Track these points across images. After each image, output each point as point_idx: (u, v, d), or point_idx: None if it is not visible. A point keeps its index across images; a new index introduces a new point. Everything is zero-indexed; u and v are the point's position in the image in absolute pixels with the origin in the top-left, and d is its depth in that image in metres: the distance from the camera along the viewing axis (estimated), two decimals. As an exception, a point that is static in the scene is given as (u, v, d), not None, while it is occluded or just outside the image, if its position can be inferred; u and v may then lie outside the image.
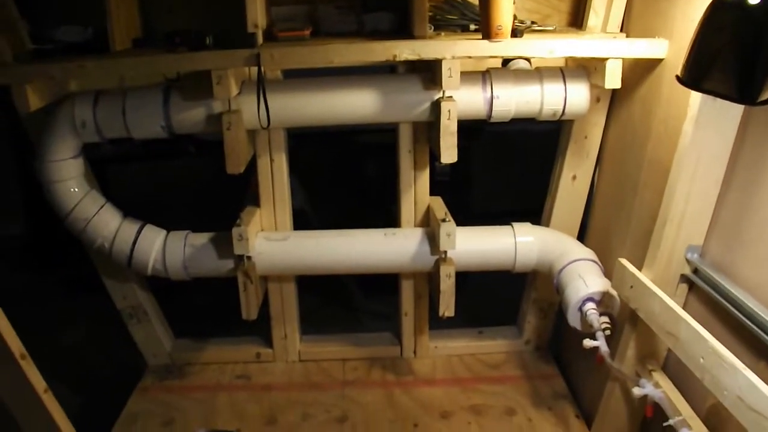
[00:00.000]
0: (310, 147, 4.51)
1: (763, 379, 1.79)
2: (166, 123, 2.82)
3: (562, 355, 3.65)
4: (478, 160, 4.93)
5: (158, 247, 3.10)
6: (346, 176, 5.05)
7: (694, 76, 1.49)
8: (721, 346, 1.89)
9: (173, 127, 2.84)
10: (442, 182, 4.64)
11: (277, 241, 3.11)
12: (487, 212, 3.27)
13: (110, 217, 3.04)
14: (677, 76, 1.57)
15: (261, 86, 2.66)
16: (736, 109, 2.08)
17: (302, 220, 4.42)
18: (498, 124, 2.92)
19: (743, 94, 1.40)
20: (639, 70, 2.70)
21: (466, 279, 3.24)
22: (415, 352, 3.65)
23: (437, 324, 3.42)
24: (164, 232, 3.15)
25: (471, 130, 4.29)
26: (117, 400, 3.38)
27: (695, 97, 2.09)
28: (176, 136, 2.89)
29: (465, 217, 3.17)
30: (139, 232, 3.08)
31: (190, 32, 2.66)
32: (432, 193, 3.28)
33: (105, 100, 2.81)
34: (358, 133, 4.77)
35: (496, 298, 3.93)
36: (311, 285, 3.60)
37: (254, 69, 2.76)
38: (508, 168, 4.92)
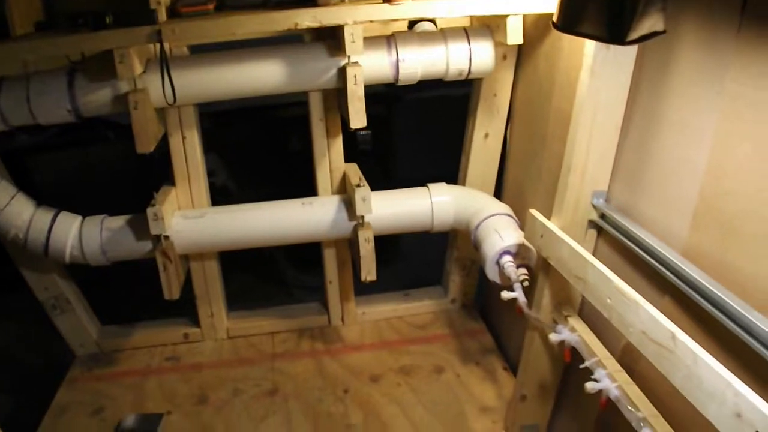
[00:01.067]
0: (230, 124, 4.47)
1: (668, 313, 1.86)
2: (73, 106, 2.76)
3: (488, 311, 3.72)
4: (400, 127, 4.93)
5: (74, 233, 3.05)
6: (267, 151, 5.01)
7: (567, 19, 1.53)
8: (625, 284, 1.95)
9: (80, 110, 2.78)
10: (365, 151, 4.66)
11: (194, 219, 3.09)
12: (412, 179, 3.29)
13: (23, 207, 2.98)
14: (552, 22, 1.60)
15: (164, 62, 2.63)
16: (629, 58, 2.14)
17: (226, 198, 4.40)
18: (418, 89, 2.95)
19: (613, 35, 1.44)
20: (542, 25, 2.74)
21: (397, 244, 3.27)
22: (342, 320, 3.68)
23: (367, 289, 3.44)
24: (80, 217, 3.10)
25: (391, 97, 4.31)
26: (46, 395, 3.34)
27: (590, 47, 2.13)
28: (84, 119, 2.83)
29: (390, 185, 3.20)
30: (53, 220, 3.03)
31: (91, 13, 2.60)
32: (356, 162, 3.31)
33: (8, 87, 2.73)
34: (277, 108, 4.74)
35: (426, 259, 3.96)
36: (242, 263, 3.60)
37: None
38: (430, 133, 4.94)
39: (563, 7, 1.53)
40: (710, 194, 1.91)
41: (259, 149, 4.95)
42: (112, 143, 4.58)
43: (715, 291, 1.82)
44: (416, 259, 4.04)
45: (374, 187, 3.00)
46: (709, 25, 1.87)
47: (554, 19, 1.57)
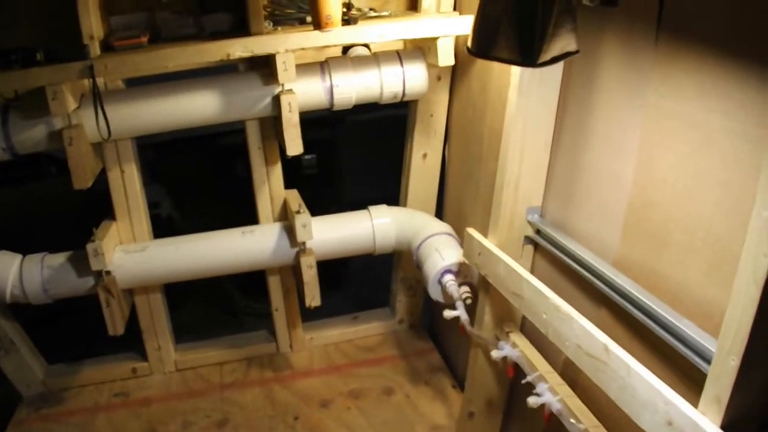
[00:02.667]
0: (173, 154, 4.46)
1: (604, 324, 1.90)
2: (7, 144, 2.73)
3: (436, 330, 3.74)
4: (343, 150, 4.95)
5: (14, 272, 3.01)
6: (212, 178, 5.00)
7: (481, 45, 1.56)
8: (560, 299, 1.98)
9: (15, 147, 2.75)
10: (311, 175, 4.67)
11: (135, 253, 3.07)
12: (358, 201, 3.31)
13: (-40, 248, 2.93)
14: (467, 47, 1.64)
15: (96, 98, 2.62)
16: (555, 75, 2.20)
17: (171, 227, 4.37)
18: (361, 111, 2.97)
19: (525, 58, 1.48)
20: (472, 46, 2.78)
21: (344, 267, 3.28)
22: (291, 346, 3.67)
23: (315, 314, 3.42)
24: (20, 256, 3.06)
25: (333, 120, 4.33)
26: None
27: (516, 68, 2.18)
28: (20, 156, 2.80)
29: (337, 208, 3.21)
30: (-9, 261, 2.98)
31: (24, 50, 2.58)
32: (301, 186, 3.31)
33: (-62, 127, 2.70)
34: (220, 136, 4.73)
35: (374, 280, 3.98)
36: (191, 293, 3.58)
37: (95, 81, 2.71)
38: (374, 155, 4.97)
39: (476, 33, 1.56)
40: (638, 205, 1.95)
41: (204, 177, 4.94)
42: (54, 178, 4.54)
43: (647, 301, 1.86)
44: (364, 280, 4.04)
45: (322, 211, 3.03)
46: (629, 39, 1.92)
47: (468, 44, 1.60)
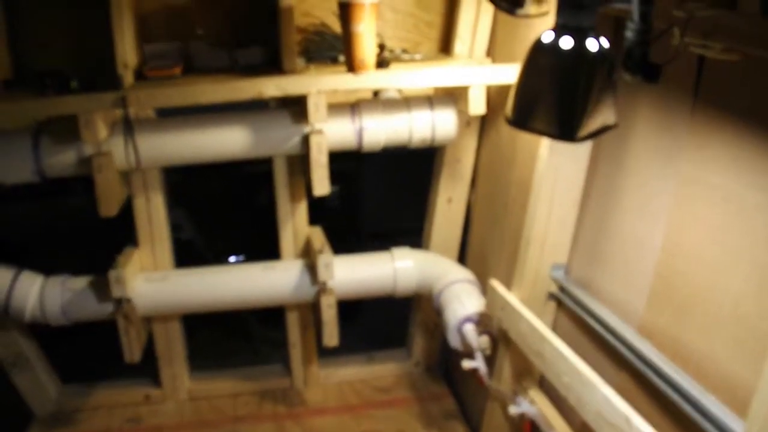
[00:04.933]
0: (198, 178, 4.46)
1: (625, 389, 1.87)
2: (37, 167, 2.74)
3: (452, 374, 3.71)
4: (366, 182, 4.95)
5: (35, 293, 3.01)
6: (234, 205, 5.01)
7: (521, 116, 1.56)
8: (583, 364, 1.96)
9: (45, 171, 2.76)
10: (334, 207, 4.67)
11: (156, 282, 3.07)
12: (379, 232, 3.30)
13: (-17, 265, 2.94)
14: (505, 116, 1.64)
15: (128, 129, 2.63)
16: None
17: (191, 251, 4.36)
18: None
19: (563, 133, 1.47)
20: (504, 94, 2.75)
21: (360, 302, 3.26)
22: (305, 382, 3.65)
23: (331, 349, 3.40)
24: (41, 277, 3.06)
25: (356, 153, 4.32)
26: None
27: (548, 123, 2.19)
28: (49, 180, 2.81)
29: (359, 240, 3.20)
30: (14, 279, 2.98)
31: (59, 73, 2.60)
32: (322, 217, 3.30)
33: (-29, 147, 2.71)
34: (245, 163, 4.74)
35: (390, 317, 3.95)
36: (207, 318, 3.56)
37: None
38: (396, 188, 4.96)
39: (516, 104, 1.56)
40: (665, 273, 1.93)
41: (228, 203, 4.94)
42: (79, 195, 4.55)
43: (670, 371, 1.84)
44: (381, 314, 4.01)
45: (342, 243, 3.01)
46: (664, 106, 1.91)
47: (507, 114, 1.60)
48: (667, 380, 1.85)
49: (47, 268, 3.14)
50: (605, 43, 1.46)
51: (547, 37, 1.50)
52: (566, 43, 1.46)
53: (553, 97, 1.49)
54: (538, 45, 1.53)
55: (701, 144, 1.78)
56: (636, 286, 2.05)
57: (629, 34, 1.42)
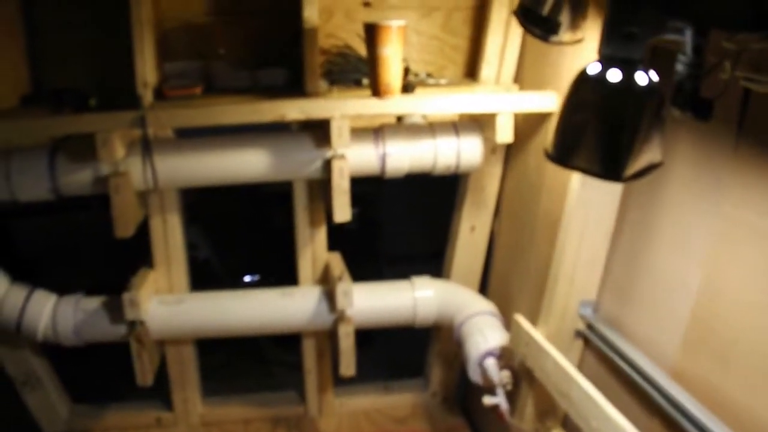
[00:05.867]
0: (215, 196, 4.41)
1: (656, 438, 1.79)
2: (53, 186, 2.68)
3: (470, 406, 3.61)
4: (386, 204, 4.89)
5: (48, 313, 2.95)
6: (252, 225, 4.95)
7: (562, 152, 1.48)
8: (613, 409, 1.87)
9: (60, 189, 2.70)
10: (352, 230, 4.60)
11: (171, 305, 3.01)
12: (400, 257, 3.23)
13: (-4, 283, 2.88)
14: (545, 151, 1.56)
15: (146, 149, 2.58)
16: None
17: (208, 271, 4.30)
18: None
19: (608, 172, 1.39)
20: (532, 121, 2.71)
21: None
22: (320, 410, 3.56)
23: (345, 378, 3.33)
24: (54, 296, 3.00)
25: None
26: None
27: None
28: (65, 198, 2.76)
29: (377, 263, 3.13)
30: (27, 298, 2.93)
31: (76, 91, 2.57)
32: (342, 241, 3.23)
33: (-13, 163, 2.66)
34: (261, 183, 4.70)
35: (407, 343, 3.86)
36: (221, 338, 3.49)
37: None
38: (415, 211, 4.90)
39: (558, 140, 1.47)
40: (702, 316, 1.85)
41: (245, 223, 4.89)
42: (94, 211, 4.50)
43: (707, 421, 1.75)
44: (396, 343, 3.93)
45: (361, 266, 2.95)
46: (705, 141, 1.83)
47: (548, 149, 1.52)
48: (703, 430, 1.76)
49: (59, 285, 3.08)
50: (655, 76, 1.38)
51: (593, 69, 1.42)
52: (614, 76, 1.37)
53: (598, 133, 1.40)
54: (582, 77, 1.44)
55: (745, 182, 1.70)
56: (670, 328, 1.96)
57: (680, 67, 1.34)
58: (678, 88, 1.37)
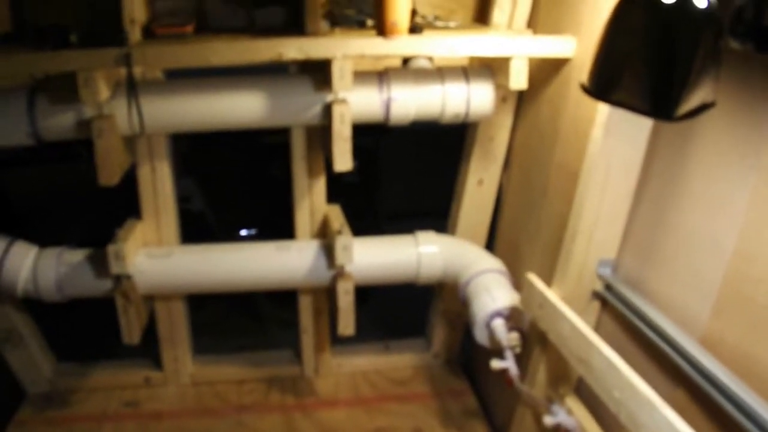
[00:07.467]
0: (209, 147, 4.25)
1: (681, 408, 1.63)
2: (32, 129, 2.52)
3: (473, 368, 3.48)
4: (388, 159, 4.74)
5: (29, 266, 2.80)
6: (248, 177, 4.81)
7: (602, 85, 1.29)
8: (638, 378, 1.72)
9: (40, 133, 2.54)
10: (352, 183, 4.45)
11: (159, 258, 2.86)
12: (400, 213, 3.08)
13: (-28, 235, 2.74)
14: (582, 85, 1.37)
15: (132, 89, 2.40)
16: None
17: (202, 224, 4.16)
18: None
19: (658, 108, 1.20)
20: (547, 69, 2.54)
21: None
22: (316, 371, 3.43)
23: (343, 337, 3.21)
24: (35, 249, 2.85)
25: (379, 127, 4.11)
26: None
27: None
28: (45, 143, 2.59)
29: (376, 219, 2.98)
30: (6, 251, 2.78)
31: (60, 28, 2.38)
32: (341, 195, 3.09)
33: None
34: (259, 133, 4.55)
35: (409, 302, 3.73)
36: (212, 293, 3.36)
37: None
38: (421, 166, 4.76)
39: (597, 71, 1.28)
40: (737, 279, 1.69)
41: (241, 175, 4.75)
42: (84, 161, 4.34)
43: (738, 390, 1.60)
44: (398, 301, 3.79)
45: (360, 222, 2.82)
46: (747, 87, 1.63)
47: (585, 81, 1.33)
48: (734, 400, 1.61)
49: (46, 239, 2.96)
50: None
51: (643, -14, 1.23)
52: (668, -5, 1.18)
53: (646, 63, 1.22)
54: (626, -1, 1.26)
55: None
56: (700, 292, 1.80)
57: (742, -10, 1.16)
58: (737, 15, 1.18)
